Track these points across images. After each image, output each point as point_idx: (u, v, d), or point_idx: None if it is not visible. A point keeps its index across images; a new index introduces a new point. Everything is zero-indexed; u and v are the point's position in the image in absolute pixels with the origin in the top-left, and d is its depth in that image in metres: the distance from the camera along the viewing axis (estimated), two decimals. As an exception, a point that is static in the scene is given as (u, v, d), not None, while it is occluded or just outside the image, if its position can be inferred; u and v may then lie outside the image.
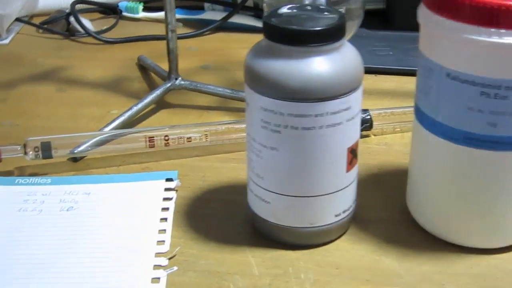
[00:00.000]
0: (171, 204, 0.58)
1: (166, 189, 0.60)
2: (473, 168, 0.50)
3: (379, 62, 0.84)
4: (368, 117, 0.68)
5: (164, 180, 0.61)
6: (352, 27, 0.70)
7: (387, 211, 0.57)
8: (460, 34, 0.46)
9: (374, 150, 0.67)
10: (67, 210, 0.57)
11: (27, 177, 0.62)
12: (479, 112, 0.48)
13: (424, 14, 0.49)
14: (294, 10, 0.50)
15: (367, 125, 0.67)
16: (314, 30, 0.48)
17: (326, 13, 0.50)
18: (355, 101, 0.50)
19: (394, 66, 0.83)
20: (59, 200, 0.59)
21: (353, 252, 0.53)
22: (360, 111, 0.51)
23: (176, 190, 0.60)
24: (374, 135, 0.69)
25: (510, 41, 0.45)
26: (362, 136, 0.67)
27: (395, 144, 0.67)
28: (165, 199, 0.59)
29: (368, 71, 0.82)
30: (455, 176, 0.51)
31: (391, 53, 0.87)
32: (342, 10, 0.68)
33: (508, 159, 0.49)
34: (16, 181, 0.61)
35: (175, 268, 0.51)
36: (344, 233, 0.54)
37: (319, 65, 0.48)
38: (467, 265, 0.51)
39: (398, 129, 0.69)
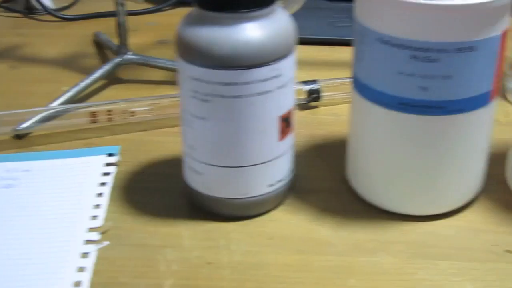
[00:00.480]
0: (109, 179, 0.57)
1: (107, 164, 0.59)
2: (407, 134, 0.49)
3: (337, 34, 0.84)
4: (317, 87, 0.66)
5: (106, 155, 0.60)
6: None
7: (327, 181, 0.56)
8: (389, -4, 0.45)
9: (322, 120, 0.66)
10: (5, 187, 0.56)
11: (-34, 156, 0.61)
12: (410, 76, 0.47)
13: (356, -22, 0.48)
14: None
15: (315, 95, 0.66)
16: (242, -5, 0.46)
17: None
18: (286, 69, 0.49)
19: (352, 37, 0.81)
20: (-2, 178, 0.58)
21: (288, 223, 0.52)
22: (293, 79, 0.50)
23: (117, 165, 0.59)
24: (324, 106, 0.68)
25: (439, 2, 0.44)
26: (310, 107, 0.67)
27: (344, 114, 0.65)
28: (104, 174, 0.58)
29: (326, 42, 0.83)
30: (390, 143, 0.50)
31: (349, 24, 0.85)
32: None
33: (440, 124, 0.48)
34: (-44, 161, 0.60)
35: (106, 242, 0.50)
36: (281, 203, 0.54)
37: (247, 32, 0.47)
38: (402, 232, 0.51)
39: (348, 100, 0.67)
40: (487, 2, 0.44)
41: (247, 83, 0.47)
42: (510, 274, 0.47)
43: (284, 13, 0.50)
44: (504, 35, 0.47)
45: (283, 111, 0.50)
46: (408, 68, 0.46)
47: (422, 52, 0.46)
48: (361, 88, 0.50)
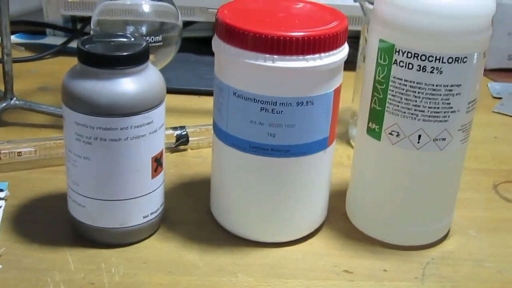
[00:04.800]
0: (-1, 212, 0.64)
1: (-4, 199, 0.66)
2: (259, 173, 0.58)
3: (204, 85, 0.92)
4: (184, 133, 0.75)
5: (-6, 191, 0.67)
6: (171, 52, 0.78)
7: (194, 214, 0.65)
8: (242, 59, 0.55)
9: (190, 162, 0.75)
10: None
11: None
12: (260, 124, 0.56)
13: (216, 43, 0.58)
14: (106, 38, 0.58)
15: (183, 140, 0.75)
16: (120, 55, 0.55)
17: (133, 40, 0.58)
18: (158, 116, 0.57)
19: (217, 88, 0.91)
20: None
21: (161, 249, 0.60)
22: (163, 125, 0.59)
23: (6, 200, 0.66)
24: (191, 149, 0.77)
25: (281, 65, 0.54)
26: (179, 150, 0.76)
27: (210, 157, 0.74)
28: (-6, 207, 0.64)
29: (194, 92, 0.92)
30: (245, 181, 0.59)
31: (215, 76, 0.95)
32: (159, 37, 0.76)
33: (286, 165, 0.58)
34: None
35: (0, 266, 0.57)
36: (154, 232, 0.62)
37: (124, 85, 0.55)
38: (258, 257, 0.60)
39: (213, 144, 0.76)
40: (321, 66, 0.54)
41: (124, 128, 0.55)
42: (346, 289, 0.57)
43: (154, 69, 0.58)
44: (336, 91, 0.57)
45: (155, 152, 0.58)
46: (258, 118, 0.56)
47: (270, 105, 0.55)
48: (220, 134, 0.59)
